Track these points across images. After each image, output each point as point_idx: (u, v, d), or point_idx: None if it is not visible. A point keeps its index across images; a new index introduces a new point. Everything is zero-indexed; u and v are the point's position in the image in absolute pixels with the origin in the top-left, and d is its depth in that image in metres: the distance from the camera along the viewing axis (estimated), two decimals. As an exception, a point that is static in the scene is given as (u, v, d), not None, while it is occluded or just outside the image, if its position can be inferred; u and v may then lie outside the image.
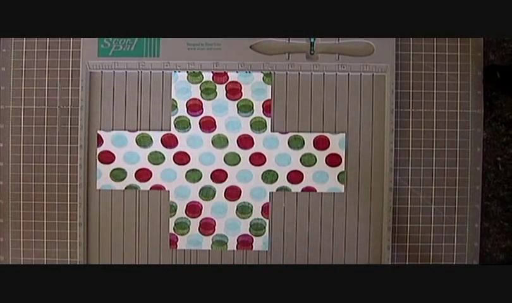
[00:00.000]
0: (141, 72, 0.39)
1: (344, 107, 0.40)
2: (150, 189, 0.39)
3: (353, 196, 0.40)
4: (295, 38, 0.39)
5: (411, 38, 0.40)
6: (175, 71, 0.39)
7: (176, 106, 0.39)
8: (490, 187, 0.40)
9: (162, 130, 0.39)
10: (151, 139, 0.39)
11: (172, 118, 0.39)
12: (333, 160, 0.39)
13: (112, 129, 0.39)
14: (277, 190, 0.39)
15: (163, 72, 0.39)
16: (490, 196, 0.40)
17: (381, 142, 0.39)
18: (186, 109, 0.39)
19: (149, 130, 0.39)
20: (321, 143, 0.39)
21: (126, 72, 0.39)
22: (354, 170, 0.39)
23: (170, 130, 0.39)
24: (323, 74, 0.39)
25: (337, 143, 0.39)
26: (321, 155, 0.39)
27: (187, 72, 0.39)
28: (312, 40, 0.39)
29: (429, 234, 0.40)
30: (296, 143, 0.39)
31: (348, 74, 0.39)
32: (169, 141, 0.39)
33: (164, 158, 0.39)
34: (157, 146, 0.39)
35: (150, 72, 0.39)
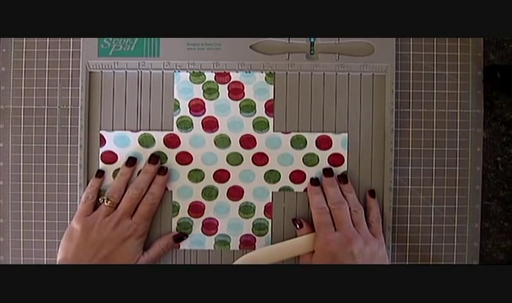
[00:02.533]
0: (141, 72, 0.39)
1: (344, 107, 0.40)
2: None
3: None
4: (295, 38, 0.39)
5: (411, 38, 0.40)
6: (176, 71, 0.39)
7: (179, 107, 0.39)
8: (490, 187, 0.40)
9: (164, 130, 0.39)
10: (153, 139, 0.39)
11: (175, 119, 0.39)
12: (335, 160, 0.39)
13: (113, 129, 0.39)
14: (280, 190, 0.39)
15: (163, 72, 0.39)
16: (490, 196, 0.40)
17: (381, 142, 0.39)
18: (188, 109, 0.39)
19: (151, 130, 0.39)
20: (323, 143, 0.39)
21: (126, 72, 0.39)
22: (355, 169, 0.39)
23: (172, 130, 0.39)
24: (323, 74, 0.39)
25: (339, 143, 0.39)
26: (323, 155, 0.39)
27: (189, 72, 0.39)
28: (312, 40, 0.39)
29: (429, 234, 0.40)
30: (298, 143, 0.39)
31: (348, 74, 0.39)
32: (172, 141, 0.39)
33: (167, 158, 0.39)
34: (160, 146, 0.39)
35: (150, 72, 0.39)
